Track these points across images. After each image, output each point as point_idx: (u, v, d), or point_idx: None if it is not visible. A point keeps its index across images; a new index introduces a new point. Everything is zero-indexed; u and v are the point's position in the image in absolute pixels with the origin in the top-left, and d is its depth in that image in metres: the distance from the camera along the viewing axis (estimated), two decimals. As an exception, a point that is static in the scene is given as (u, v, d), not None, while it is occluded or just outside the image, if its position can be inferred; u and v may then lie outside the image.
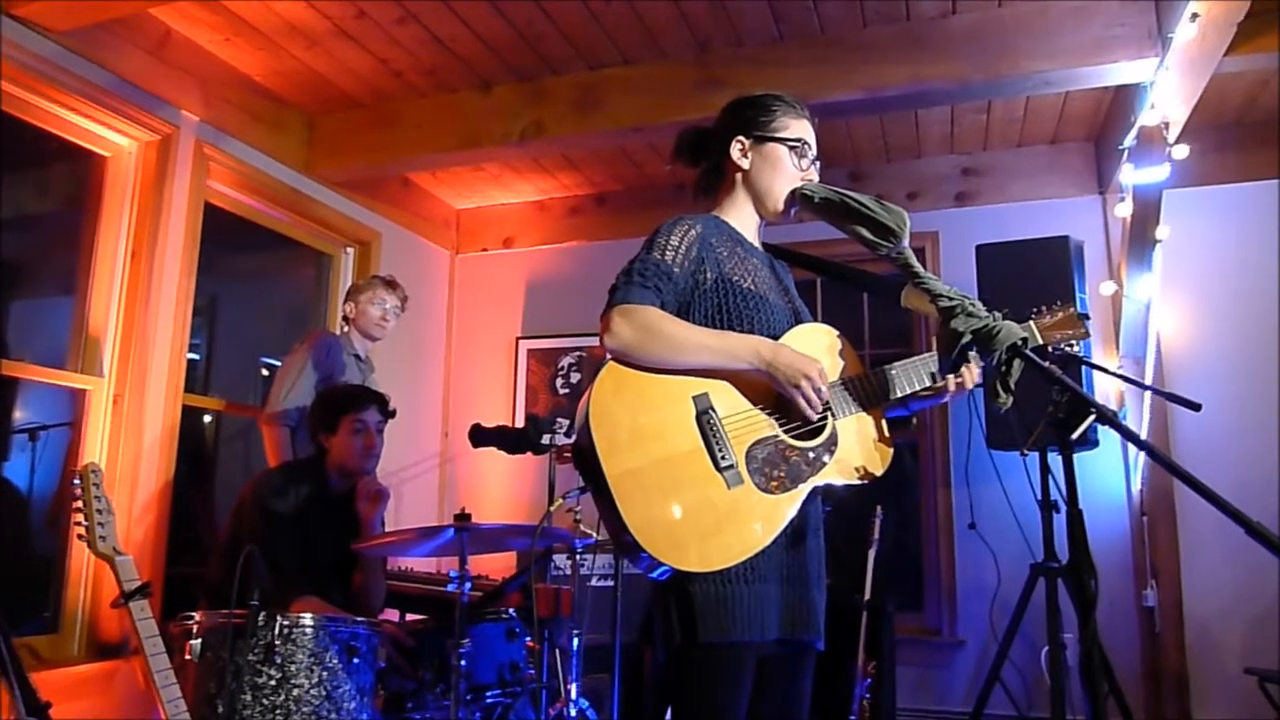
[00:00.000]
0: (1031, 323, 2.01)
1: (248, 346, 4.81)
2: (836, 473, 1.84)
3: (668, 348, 1.75)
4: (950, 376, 1.90)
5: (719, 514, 1.70)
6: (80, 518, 2.20)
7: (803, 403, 1.76)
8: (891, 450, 1.93)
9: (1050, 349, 1.99)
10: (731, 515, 1.71)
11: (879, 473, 1.90)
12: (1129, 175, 3.82)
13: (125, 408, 3.53)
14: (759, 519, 1.73)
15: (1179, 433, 4.19)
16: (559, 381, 5.37)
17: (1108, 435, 4.02)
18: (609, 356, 1.77)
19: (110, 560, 2.17)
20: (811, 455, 1.82)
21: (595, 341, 5.20)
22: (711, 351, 1.77)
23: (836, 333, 1.97)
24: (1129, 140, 3.76)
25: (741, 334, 1.82)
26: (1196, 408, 1.79)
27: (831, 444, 1.85)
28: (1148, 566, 4.16)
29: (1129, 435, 1.59)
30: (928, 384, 1.95)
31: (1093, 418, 1.62)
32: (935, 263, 4.73)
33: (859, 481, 1.87)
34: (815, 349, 1.90)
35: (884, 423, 1.95)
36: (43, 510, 3.63)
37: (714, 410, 1.76)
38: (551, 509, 3.15)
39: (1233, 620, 4.06)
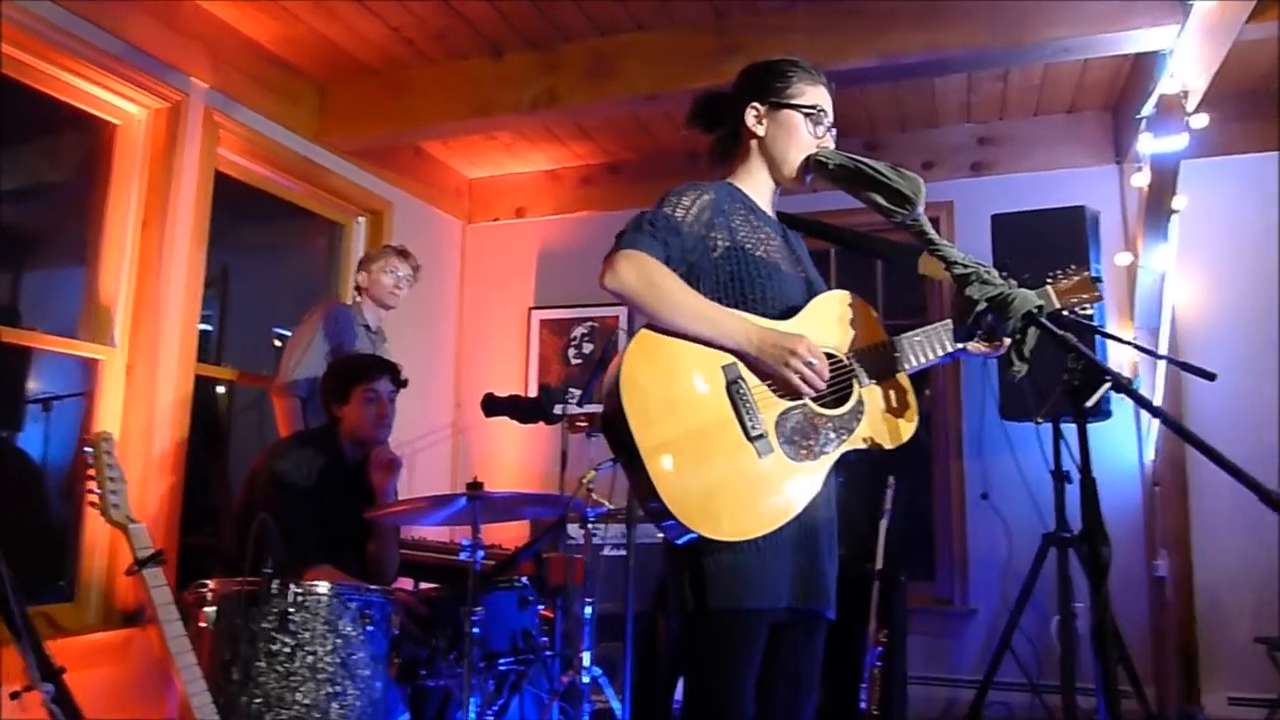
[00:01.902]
0: (1048, 287, 2.01)
1: (260, 317, 4.82)
2: (865, 439, 1.85)
3: (667, 306, 1.74)
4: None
5: (751, 483, 1.71)
6: (93, 486, 2.20)
7: (797, 380, 1.75)
8: (918, 413, 1.93)
9: (1066, 313, 1.98)
10: (764, 484, 1.72)
11: (907, 437, 1.91)
12: (1147, 145, 3.77)
13: (137, 377, 3.54)
14: (790, 487, 1.74)
15: (1193, 404, 4.17)
16: (571, 352, 5.37)
17: (1120, 406, 4.00)
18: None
19: (123, 528, 2.18)
20: (839, 423, 1.83)
21: (608, 312, 5.21)
22: (707, 322, 1.76)
23: (849, 299, 1.96)
24: (1147, 109, 3.71)
25: (740, 315, 1.80)
26: (1211, 377, 1.77)
27: (859, 410, 1.86)
28: (1159, 536, 4.15)
29: (1143, 402, 1.58)
30: (941, 353, 1.94)
31: (1108, 385, 1.61)
32: (950, 233, 4.70)
33: (888, 447, 1.88)
34: (825, 320, 1.89)
35: (909, 385, 1.95)
36: (58, 480, 3.66)
37: (743, 380, 1.76)
38: (586, 481, 3.14)
39: (1243, 590, 4.05)
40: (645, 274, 1.74)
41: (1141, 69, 3.98)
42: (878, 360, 1.91)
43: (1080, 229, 3.78)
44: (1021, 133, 4.74)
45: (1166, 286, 4.10)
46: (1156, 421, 4.11)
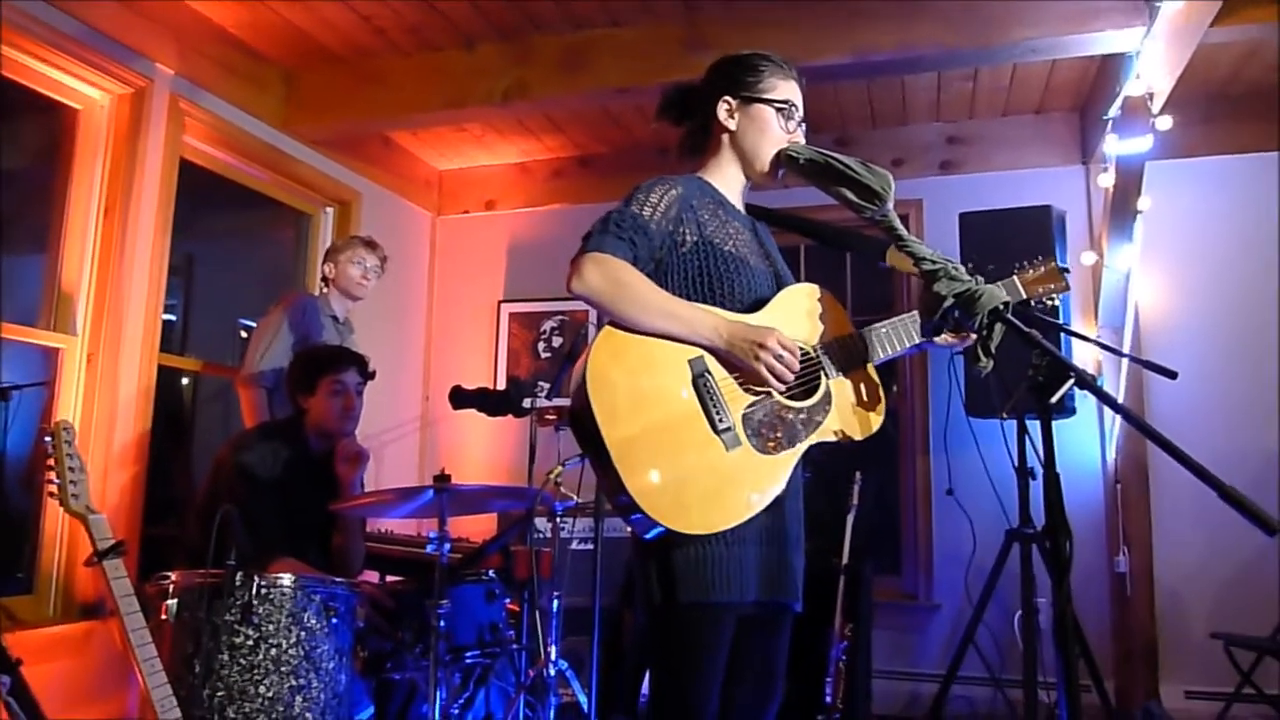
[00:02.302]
0: (1015, 278, 2.02)
1: (226, 307, 4.76)
2: (833, 431, 1.85)
3: (635, 306, 1.73)
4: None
5: (719, 477, 1.70)
6: (52, 476, 2.17)
7: (766, 373, 1.74)
8: (884, 405, 1.94)
9: (1033, 303, 2.00)
10: (731, 477, 1.71)
11: (875, 428, 1.91)
12: (1112, 146, 3.82)
13: (99, 367, 3.48)
14: (758, 479, 1.74)
15: (1154, 402, 4.23)
16: (541, 345, 5.35)
17: (1084, 404, 4.06)
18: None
19: (83, 519, 2.15)
20: (807, 414, 1.83)
21: (577, 305, 5.20)
22: (676, 319, 1.75)
23: (819, 293, 1.96)
24: (1113, 110, 3.76)
25: (707, 308, 1.80)
26: (1173, 376, 1.80)
27: (826, 403, 1.86)
28: (1120, 533, 4.21)
29: (1106, 398, 1.60)
30: (908, 344, 1.95)
31: (1071, 381, 1.63)
32: (919, 230, 4.73)
33: (857, 438, 1.88)
34: (792, 313, 1.90)
35: (876, 378, 1.96)
36: (17, 470, 3.59)
37: (710, 373, 1.76)
38: (554, 475, 3.12)
39: (1201, 586, 4.13)
40: (612, 276, 1.73)
41: (1108, 71, 4.03)
42: (845, 352, 1.91)
43: (1047, 228, 3.82)
44: (990, 132, 4.79)
45: (1130, 286, 4.16)
46: (1119, 420, 4.17)
